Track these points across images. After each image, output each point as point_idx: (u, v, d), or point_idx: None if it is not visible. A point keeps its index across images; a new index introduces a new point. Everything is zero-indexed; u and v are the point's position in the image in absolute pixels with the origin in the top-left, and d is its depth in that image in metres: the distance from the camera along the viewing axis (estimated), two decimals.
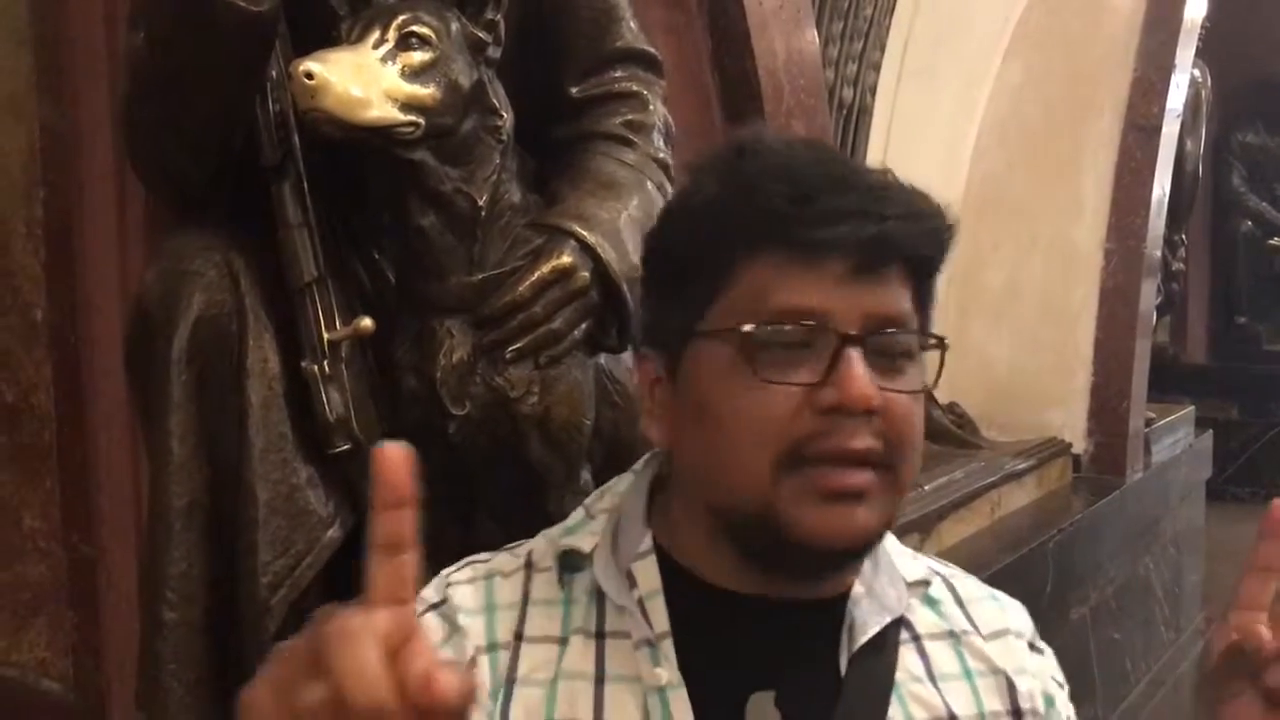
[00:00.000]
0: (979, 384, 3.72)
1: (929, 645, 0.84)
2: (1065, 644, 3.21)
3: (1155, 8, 3.81)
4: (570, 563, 0.83)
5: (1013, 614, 0.90)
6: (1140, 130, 3.68)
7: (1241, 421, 6.27)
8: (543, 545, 0.85)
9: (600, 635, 0.79)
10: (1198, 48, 4.12)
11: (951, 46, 3.56)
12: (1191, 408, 4.52)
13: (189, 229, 1.30)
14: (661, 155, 1.48)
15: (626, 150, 1.45)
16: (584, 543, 0.82)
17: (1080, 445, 3.70)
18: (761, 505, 0.74)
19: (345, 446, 1.28)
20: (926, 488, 2.82)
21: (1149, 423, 3.97)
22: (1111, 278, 3.68)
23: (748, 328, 0.74)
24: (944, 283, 2.96)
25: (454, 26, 1.24)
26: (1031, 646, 0.90)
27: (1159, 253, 3.92)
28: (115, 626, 1.51)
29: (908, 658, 0.82)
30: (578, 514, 0.87)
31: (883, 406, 0.74)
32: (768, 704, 0.78)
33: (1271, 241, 6.55)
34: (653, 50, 1.51)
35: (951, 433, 3.36)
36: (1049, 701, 0.87)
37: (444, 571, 0.85)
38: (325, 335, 1.27)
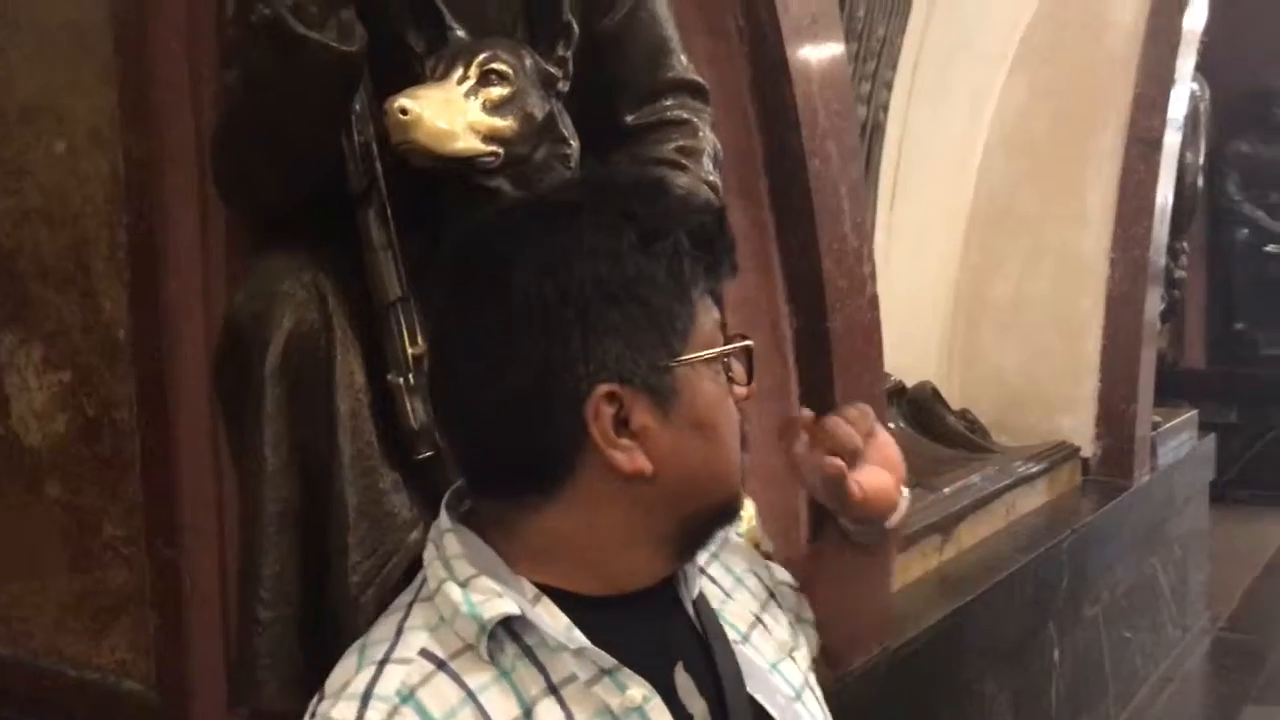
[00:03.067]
0: (990, 391, 3.82)
1: (711, 570, 0.99)
2: (1080, 641, 3.31)
3: (1155, 21, 3.92)
4: (495, 633, 0.82)
5: None
6: (1143, 143, 3.78)
7: (1240, 425, 6.36)
8: (424, 636, 0.83)
9: (554, 690, 0.81)
10: (1195, 61, 4.23)
11: (959, 64, 3.66)
12: (1195, 412, 4.61)
13: (277, 252, 1.38)
14: (712, 179, 1.57)
15: (680, 174, 1.54)
16: (507, 606, 0.81)
17: (1089, 449, 3.79)
18: (728, 496, 0.90)
19: (429, 453, 1.37)
20: (946, 491, 2.92)
21: (1155, 427, 4.07)
22: (1117, 286, 3.78)
23: (736, 346, 0.89)
24: (952, 294, 3.09)
25: (528, 62, 1.34)
26: (734, 534, 1.08)
27: (1163, 261, 4.02)
28: (198, 627, 1.59)
29: (709, 589, 0.97)
30: (452, 591, 0.83)
31: None
32: (684, 674, 0.88)
33: (1267, 248, 6.66)
34: (701, 80, 1.60)
35: (965, 438, 3.46)
36: (768, 573, 1.08)
37: (329, 713, 0.80)
38: (410, 350, 1.36)
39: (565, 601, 0.85)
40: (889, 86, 3.32)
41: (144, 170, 1.59)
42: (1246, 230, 6.71)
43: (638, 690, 0.81)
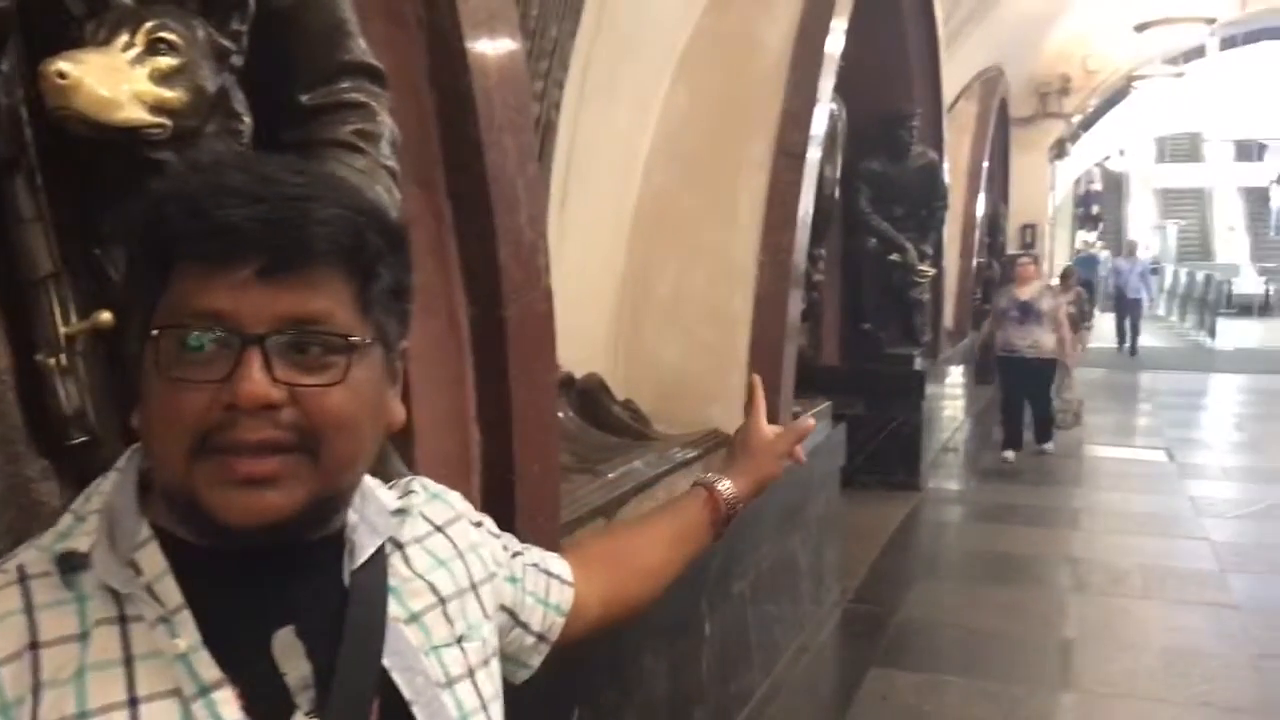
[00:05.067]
0: (650, 382, 4.01)
1: (409, 551, 1.01)
2: (729, 616, 3.56)
3: (801, 44, 4.26)
4: (70, 564, 0.84)
5: (455, 502, 1.12)
6: (789, 155, 4.10)
7: (866, 417, 7.02)
8: (34, 555, 0.86)
9: (123, 620, 0.83)
10: (834, 82, 4.63)
11: (626, 69, 3.82)
12: (829, 403, 5.04)
13: None
14: (389, 163, 1.58)
15: (357, 157, 1.54)
16: (80, 544, 0.85)
17: None
18: (183, 489, 0.82)
19: (82, 439, 1.29)
20: (611, 476, 3.05)
21: (794, 416, 4.42)
22: (764, 287, 4.08)
23: (155, 332, 0.82)
24: (618, 290, 3.21)
25: (200, 34, 1.30)
26: (472, 523, 1.11)
27: (804, 265, 4.38)
28: None
29: (397, 565, 0.98)
30: (66, 519, 0.88)
31: (293, 401, 0.82)
32: (290, 637, 0.87)
33: (892, 257, 7.41)
34: (379, 65, 1.61)
35: (628, 427, 3.62)
36: (496, 561, 1.11)
37: None
38: (62, 329, 1.28)
39: (181, 549, 0.86)
40: (560, 86, 3.41)
41: None
42: (875, 240, 7.42)
43: (183, 640, 0.83)
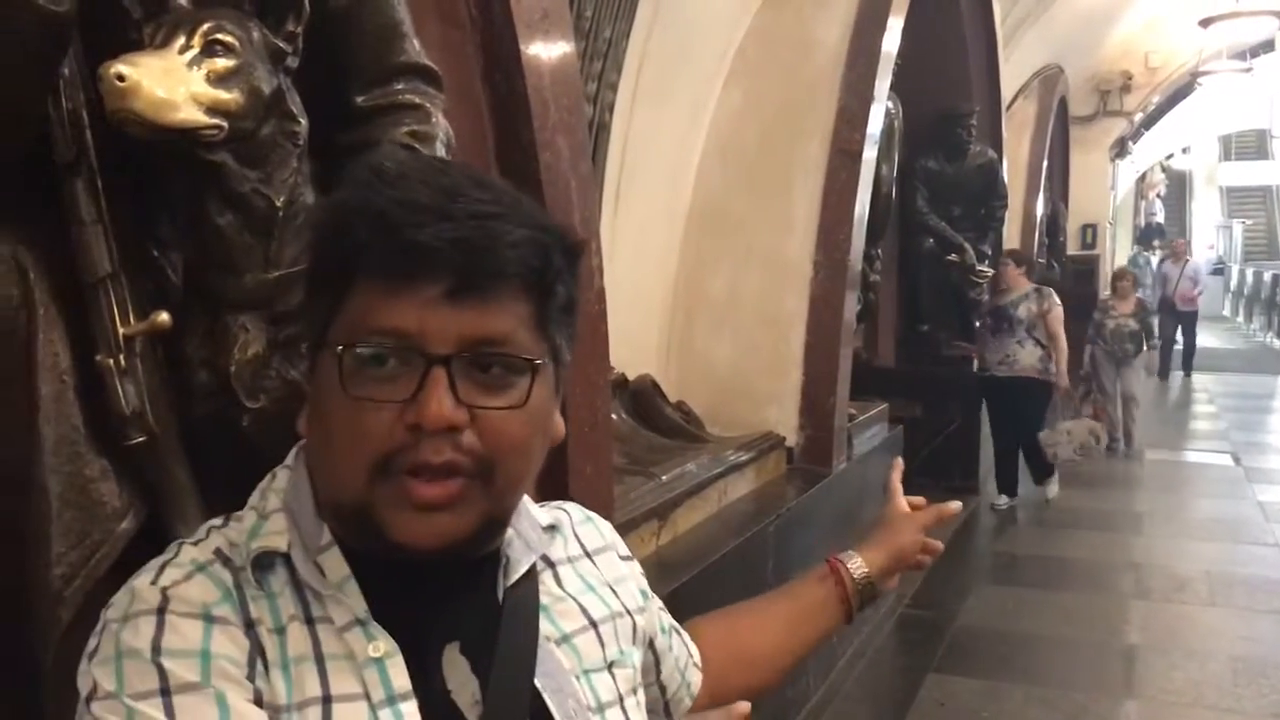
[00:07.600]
0: (704, 384, 4.00)
1: (561, 570, 0.99)
2: None
3: (857, 43, 4.23)
4: (263, 562, 0.85)
5: (606, 531, 1.07)
6: (844, 154, 4.07)
7: (924, 419, 6.93)
8: (224, 544, 0.87)
9: (310, 621, 0.84)
10: (891, 81, 4.59)
11: (680, 71, 3.81)
12: (885, 405, 4.99)
13: None
14: None
15: None
16: (278, 542, 0.85)
17: (793, 439, 4.05)
18: (361, 506, 0.82)
19: (140, 439, 1.30)
20: (664, 478, 3.03)
21: (851, 419, 4.38)
22: (819, 288, 4.05)
23: (339, 348, 0.81)
24: (670, 291, 3.19)
25: (255, 35, 1.30)
26: (620, 556, 1.07)
27: (860, 266, 4.34)
28: None
29: (548, 583, 0.97)
30: (250, 516, 0.89)
31: (473, 422, 0.81)
32: (455, 653, 0.87)
33: (949, 257, 7.32)
34: (434, 66, 1.61)
35: (682, 428, 3.61)
36: (645, 595, 1.08)
37: (131, 583, 0.84)
38: (120, 330, 1.29)
39: (357, 557, 0.86)
40: (614, 88, 3.41)
41: None
42: (931, 240, 7.34)
43: (383, 643, 0.83)
